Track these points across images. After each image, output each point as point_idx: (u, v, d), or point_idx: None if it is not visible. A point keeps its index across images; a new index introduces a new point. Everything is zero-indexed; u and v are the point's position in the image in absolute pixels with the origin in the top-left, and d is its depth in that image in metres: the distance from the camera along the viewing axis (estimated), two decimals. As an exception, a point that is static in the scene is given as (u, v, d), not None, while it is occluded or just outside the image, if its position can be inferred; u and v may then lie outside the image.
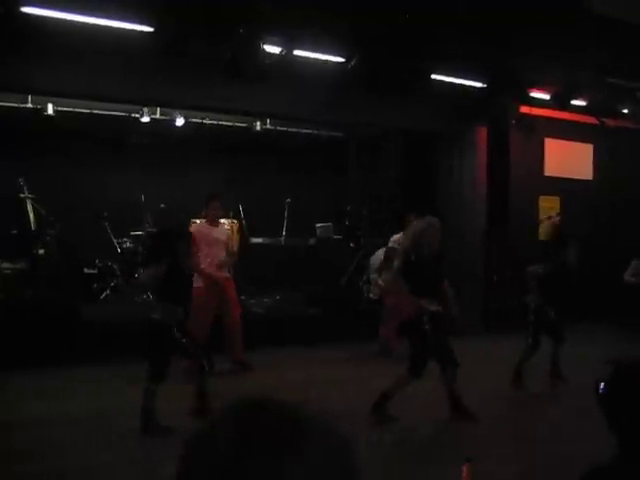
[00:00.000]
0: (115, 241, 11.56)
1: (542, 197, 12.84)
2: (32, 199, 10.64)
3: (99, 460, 5.31)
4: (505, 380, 7.63)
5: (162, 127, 12.30)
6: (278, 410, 0.81)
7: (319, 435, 0.80)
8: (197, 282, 7.17)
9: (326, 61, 9.27)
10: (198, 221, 8.92)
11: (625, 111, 12.46)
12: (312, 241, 12.74)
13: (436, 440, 5.93)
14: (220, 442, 0.77)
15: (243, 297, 9.69)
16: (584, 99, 11.74)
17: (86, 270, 11.07)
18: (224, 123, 12.78)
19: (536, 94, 11.31)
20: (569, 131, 12.83)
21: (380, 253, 10.33)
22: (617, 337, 10.17)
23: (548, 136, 12.68)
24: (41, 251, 10.47)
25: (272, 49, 8.57)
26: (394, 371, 8.75)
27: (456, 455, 2.25)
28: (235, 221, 11.26)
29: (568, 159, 13.08)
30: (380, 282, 10.82)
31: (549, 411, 6.91)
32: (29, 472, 5.08)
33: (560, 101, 11.44)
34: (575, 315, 11.74)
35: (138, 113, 11.99)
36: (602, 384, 2.14)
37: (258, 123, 13.09)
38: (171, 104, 11.13)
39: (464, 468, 2.46)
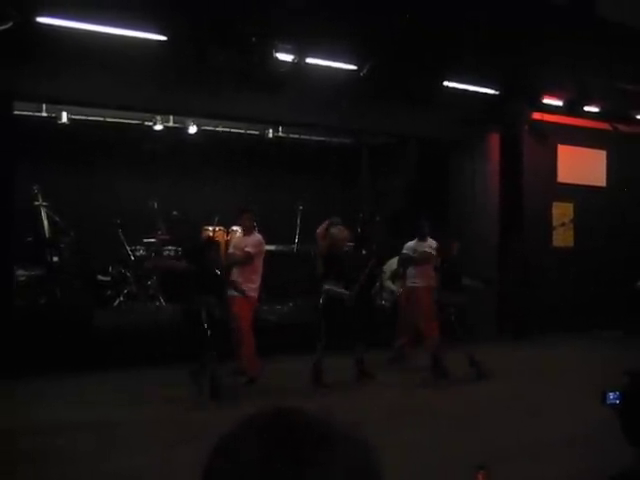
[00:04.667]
0: (128, 248, 11.60)
1: (555, 204, 12.78)
2: (46, 207, 10.70)
3: (107, 468, 5.32)
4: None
5: (175, 135, 12.36)
6: (301, 419, 0.82)
7: (343, 443, 0.80)
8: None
9: (338, 69, 9.29)
10: (236, 228, 9.68)
11: (638, 117, 12.41)
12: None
13: (453, 444, 5.90)
14: (244, 452, 0.78)
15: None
16: (597, 105, 11.69)
17: (100, 277, 11.13)
18: (236, 131, 12.83)
19: (549, 100, 11.28)
20: (582, 137, 12.78)
21: (394, 261, 10.33)
22: (632, 344, 10.09)
23: (561, 142, 12.63)
24: (55, 258, 10.53)
25: (285, 57, 8.60)
26: (405, 378, 8.76)
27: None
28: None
29: (581, 165, 13.02)
30: (394, 288, 10.83)
31: (573, 418, 6.86)
32: (39, 478, 5.10)
33: (573, 107, 11.40)
34: (591, 321, 11.72)
35: (151, 121, 12.06)
36: (611, 394, 2.12)
37: (270, 130, 13.12)
38: (184, 112, 11.19)
39: (479, 477, 2.42)
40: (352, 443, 0.81)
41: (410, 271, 9.60)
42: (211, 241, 8.01)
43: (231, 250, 8.89)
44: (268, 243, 11.39)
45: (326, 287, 8.36)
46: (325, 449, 0.78)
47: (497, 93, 10.73)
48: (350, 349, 8.41)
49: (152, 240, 11.83)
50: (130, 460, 5.42)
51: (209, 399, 7.25)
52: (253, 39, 8.15)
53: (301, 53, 8.60)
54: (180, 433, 6.05)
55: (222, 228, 11.91)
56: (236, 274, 8.38)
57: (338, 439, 0.80)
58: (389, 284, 11.09)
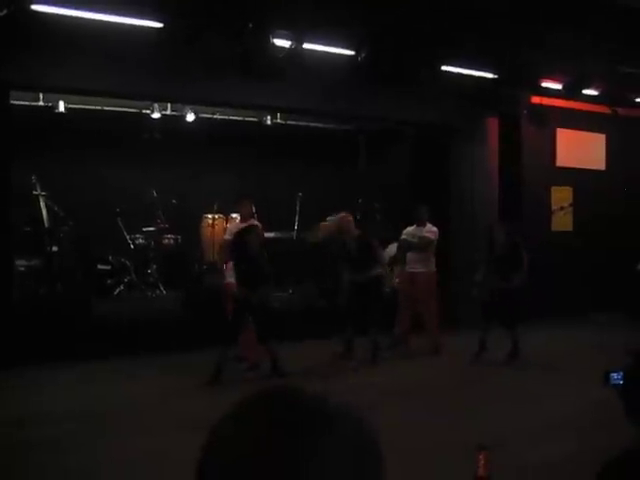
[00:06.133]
0: (128, 237, 11.61)
1: (554, 188, 12.77)
2: (45, 196, 10.69)
3: (106, 456, 5.34)
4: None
5: (173, 123, 12.32)
6: (299, 398, 0.82)
7: (342, 421, 0.80)
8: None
9: (336, 54, 9.24)
10: (234, 215, 9.71)
11: (638, 100, 12.37)
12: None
13: (455, 427, 5.92)
14: (240, 434, 0.78)
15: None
16: (596, 88, 11.64)
17: (99, 266, 11.12)
18: (234, 118, 12.78)
19: (548, 84, 11.23)
20: (581, 121, 12.74)
21: (393, 247, 10.32)
22: (633, 326, 10.11)
23: (560, 126, 12.60)
24: (55, 248, 10.51)
25: (282, 43, 8.55)
26: (406, 363, 8.79)
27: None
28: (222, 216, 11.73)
29: (580, 149, 12.99)
30: (392, 275, 10.81)
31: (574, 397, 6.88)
32: (38, 467, 5.12)
33: (572, 91, 11.35)
34: (591, 305, 11.74)
35: (149, 109, 12.02)
36: (614, 374, 2.12)
37: (268, 117, 13.08)
38: (181, 99, 11.15)
39: (480, 457, 2.42)
40: (350, 421, 0.81)
41: (410, 256, 9.61)
42: (249, 227, 8.11)
43: (227, 237, 8.90)
44: (267, 230, 11.44)
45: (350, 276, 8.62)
46: (324, 427, 0.78)
47: (495, 77, 10.67)
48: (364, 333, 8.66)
49: (151, 228, 11.84)
50: (128, 449, 5.43)
51: (211, 385, 7.31)
52: (250, 25, 8.09)
53: (298, 39, 8.54)
54: (180, 421, 6.06)
55: (221, 215, 11.91)
56: None
57: (336, 417, 0.80)
58: (387, 271, 11.08)
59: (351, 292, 8.69)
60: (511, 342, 8.63)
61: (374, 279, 8.83)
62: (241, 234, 7.92)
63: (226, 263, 8.78)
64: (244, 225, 8.51)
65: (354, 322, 8.60)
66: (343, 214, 9.17)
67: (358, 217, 13.13)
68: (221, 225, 11.70)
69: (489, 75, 10.66)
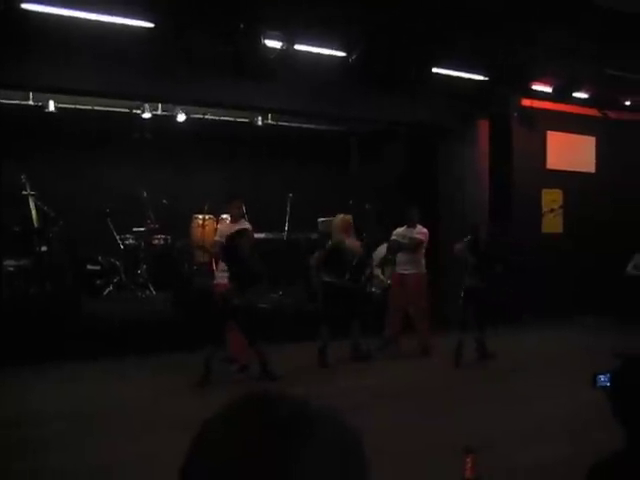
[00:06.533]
0: (118, 237, 11.57)
1: (545, 190, 12.81)
2: (34, 196, 10.64)
3: (96, 457, 5.30)
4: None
5: (164, 123, 12.28)
6: (287, 403, 0.82)
7: (329, 427, 0.80)
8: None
9: (328, 55, 9.24)
10: (225, 216, 9.69)
11: (628, 103, 12.43)
12: (314, 236, 12.72)
13: (443, 429, 5.92)
14: (238, 432, 0.78)
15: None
16: (586, 91, 11.70)
17: (89, 267, 11.08)
18: (225, 118, 12.76)
19: (538, 87, 11.27)
20: (571, 124, 12.79)
21: (383, 248, 10.33)
22: (620, 329, 10.17)
23: (550, 129, 12.64)
24: (44, 248, 10.47)
25: (273, 44, 8.54)
26: (395, 364, 8.79)
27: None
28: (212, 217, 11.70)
29: (571, 152, 13.04)
30: (382, 278, 10.84)
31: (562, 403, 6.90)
32: (27, 469, 5.08)
33: (562, 94, 11.40)
34: (579, 308, 11.77)
35: (139, 109, 11.98)
36: (601, 377, 2.13)
37: (260, 118, 13.07)
38: (172, 100, 11.12)
39: (468, 459, 2.42)
40: (332, 424, 0.82)
41: (400, 258, 9.62)
42: (241, 230, 8.12)
43: (217, 238, 8.89)
44: (258, 231, 11.42)
45: (326, 279, 8.59)
46: (305, 431, 0.78)
47: (486, 79, 10.71)
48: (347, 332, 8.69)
49: (142, 229, 11.81)
50: (119, 449, 5.41)
51: (201, 386, 7.30)
52: (241, 25, 8.08)
53: (290, 40, 8.53)
54: (171, 422, 6.04)
55: (212, 216, 11.88)
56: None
57: (317, 420, 0.80)
58: (377, 272, 11.09)
59: (332, 295, 8.68)
60: (475, 342, 8.70)
61: (364, 281, 8.86)
62: (233, 237, 7.92)
63: (216, 263, 8.77)
64: (235, 226, 8.49)
65: (331, 325, 8.57)
66: (343, 215, 9.20)
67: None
68: (211, 226, 11.67)
69: (480, 77, 10.70)
